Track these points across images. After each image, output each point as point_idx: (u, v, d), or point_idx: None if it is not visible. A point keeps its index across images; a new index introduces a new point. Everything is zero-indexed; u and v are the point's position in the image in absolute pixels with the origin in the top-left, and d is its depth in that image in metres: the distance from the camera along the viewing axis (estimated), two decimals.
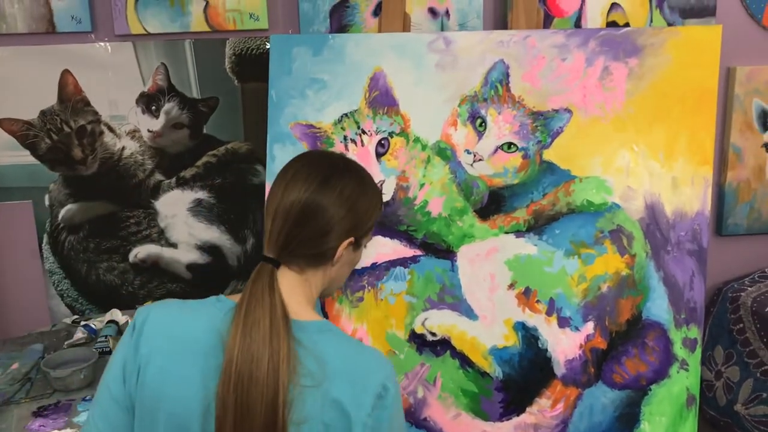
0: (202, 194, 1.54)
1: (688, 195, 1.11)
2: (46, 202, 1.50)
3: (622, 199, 1.13)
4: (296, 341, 0.71)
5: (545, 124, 1.14)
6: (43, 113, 1.45)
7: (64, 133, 1.46)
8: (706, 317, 1.54)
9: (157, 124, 1.52)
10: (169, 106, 1.49)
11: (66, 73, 1.44)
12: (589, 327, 1.13)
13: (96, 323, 1.45)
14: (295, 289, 0.77)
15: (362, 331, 1.14)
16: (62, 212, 1.50)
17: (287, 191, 0.76)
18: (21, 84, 1.43)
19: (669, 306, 1.11)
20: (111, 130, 1.52)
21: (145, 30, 1.42)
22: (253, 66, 1.50)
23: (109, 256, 1.55)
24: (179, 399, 0.71)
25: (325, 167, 0.78)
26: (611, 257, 1.12)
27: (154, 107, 1.51)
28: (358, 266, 1.21)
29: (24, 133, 1.46)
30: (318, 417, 0.70)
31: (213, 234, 1.55)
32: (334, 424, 0.71)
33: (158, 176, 1.55)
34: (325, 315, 1.21)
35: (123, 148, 1.53)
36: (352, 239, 0.79)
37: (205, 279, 1.55)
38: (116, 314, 1.48)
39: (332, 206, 0.76)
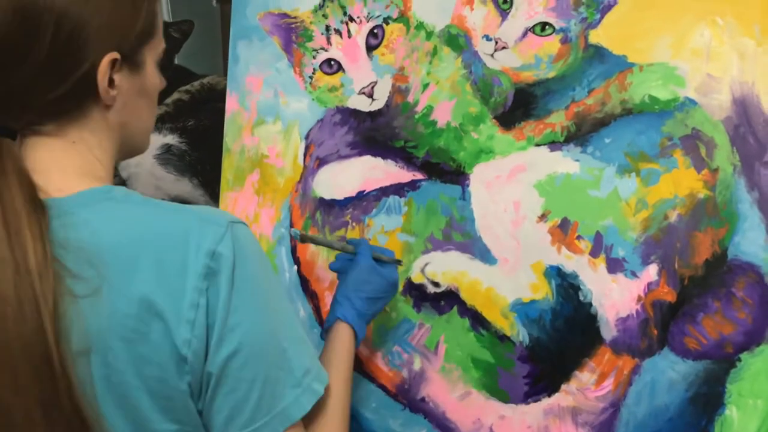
0: (171, 138, 1.68)
1: None
2: None
3: (700, 93, 1.12)
4: (59, 228, 0.72)
5: None
6: None
7: None
8: None
9: None
10: None
11: None
12: (652, 272, 1.12)
13: None
14: (53, 159, 0.77)
15: None
16: None
17: None
18: None
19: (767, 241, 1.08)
20: None
21: None
22: None
23: None
24: None
25: None
26: (683, 174, 1.11)
27: None
28: (339, 196, 1.23)
29: None
30: (112, 334, 0.71)
31: (184, 188, 1.65)
32: (142, 334, 0.72)
33: None
34: (297, 262, 1.23)
35: None
36: (115, 54, 0.76)
37: None
38: None
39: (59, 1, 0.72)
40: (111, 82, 0.77)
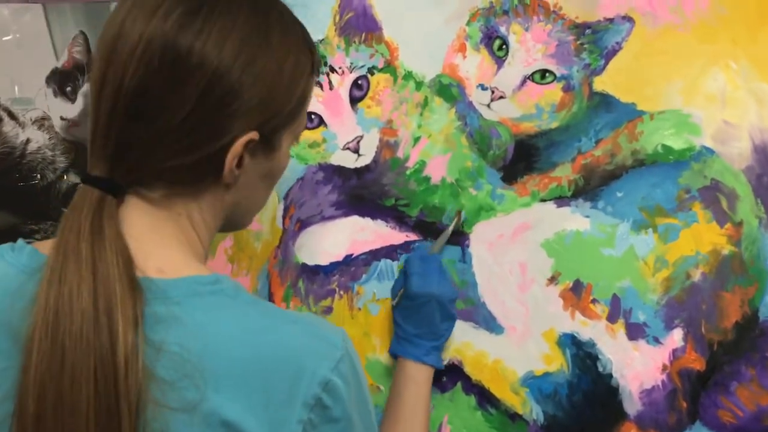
0: None
1: None
2: None
3: (717, 141, 1.06)
4: (152, 320, 0.62)
5: (595, 40, 1.11)
6: None
7: None
8: None
9: (73, 109, 1.53)
10: (89, 88, 1.49)
11: None
12: (676, 337, 1.05)
13: None
14: (154, 230, 0.67)
15: None
16: None
17: (126, 24, 0.63)
18: None
19: None
20: (12, 117, 1.55)
21: None
22: None
23: None
24: None
25: None
26: (704, 228, 1.05)
27: (69, 88, 1.53)
28: (324, 261, 1.18)
29: None
30: None
31: None
32: None
33: (73, 177, 1.56)
34: None
35: (27, 141, 1.55)
36: (254, 134, 0.66)
37: None
38: None
39: (216, 59, 0.63)
40: (239, 162, 0.67)
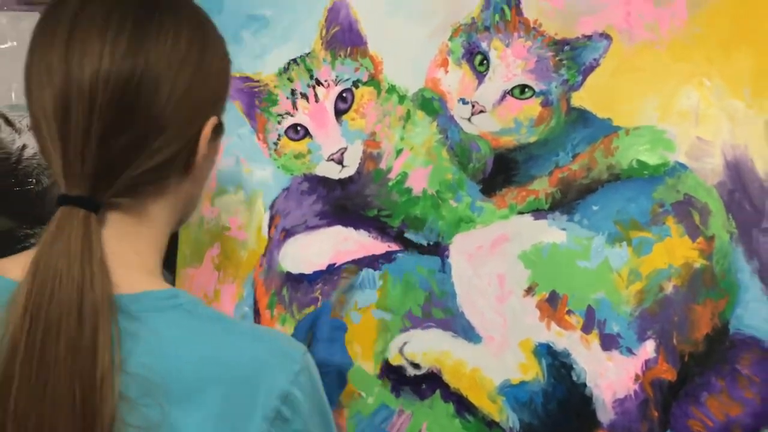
0: None
1: None
2: None
3: (691, 157, 1.07)
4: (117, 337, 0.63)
5: (573, 56, 1.12)
6: None
7: None
8: None
9: None
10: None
11: None
12: (649, 348, 1.06)
13: None
14: (120, 239, 0.68)
15: None
16: None
17: (72, 61, 0.64)
18: None
19: None
20: (9, 123, 1.57)
21: None
22: None
23: None
24: None
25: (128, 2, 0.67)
26: (677, 242, 1.06)
27: None
28: (308, 270, 1.20)
29: None
30: None
31: None
32: None
33: None
34: None
35: (24, 147, 1.56)
36: (215, 118, 0.71)
37: None
38: None
39: (168, 68, 0.66)
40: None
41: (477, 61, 1.14)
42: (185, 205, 0.75)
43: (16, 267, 0.65)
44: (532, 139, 1.12)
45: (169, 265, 1.33)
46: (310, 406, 0.66)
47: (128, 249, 0.68)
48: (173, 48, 0.66)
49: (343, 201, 1.18)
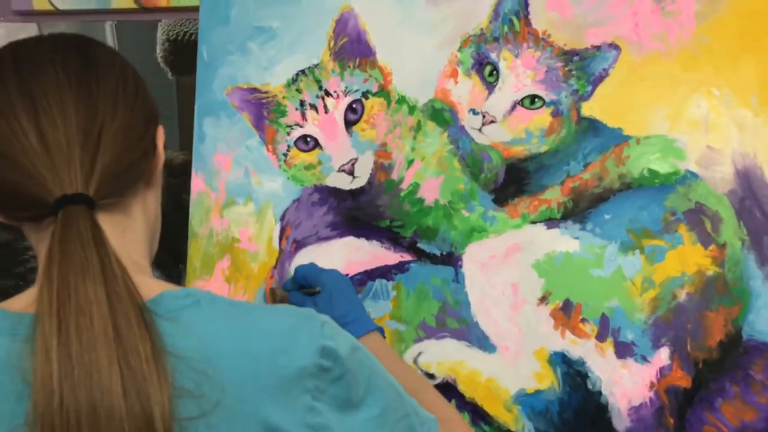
0: None
1: None
2: None
3: (701, 165, 1.08)
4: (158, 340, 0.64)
5: (583, 67, 1.13)
6: None
7: None
8: None
9: None
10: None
11: None
12: (663, 356, 1.06)
13: None
14: (125, 244, 0.72)
15: None
16: None
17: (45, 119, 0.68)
18: None
19: None
20: None
21: (54, 6, 1.47)
22: (192, 55, 1.49)
23: (2, 300, 1.50)
24: None
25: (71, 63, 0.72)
26: (690, 250, 1.07)
27: None
28: None
29: None
30: None
31: None
32: None
33: None
34: None
35: None
36: (161, 127, 0.78)
37: None
38: None
39: (111, 106, 0.71)
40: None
41: (487, 71, 1.15)
42: (152, 223, 0.79)
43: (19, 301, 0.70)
44: (543, 148, 1.13)
45: (177, 277, 1.33)
46: (347, 351, 0.69)
47: (131, 253, 0.72)
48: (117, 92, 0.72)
49: (354, 211, 1.18)
